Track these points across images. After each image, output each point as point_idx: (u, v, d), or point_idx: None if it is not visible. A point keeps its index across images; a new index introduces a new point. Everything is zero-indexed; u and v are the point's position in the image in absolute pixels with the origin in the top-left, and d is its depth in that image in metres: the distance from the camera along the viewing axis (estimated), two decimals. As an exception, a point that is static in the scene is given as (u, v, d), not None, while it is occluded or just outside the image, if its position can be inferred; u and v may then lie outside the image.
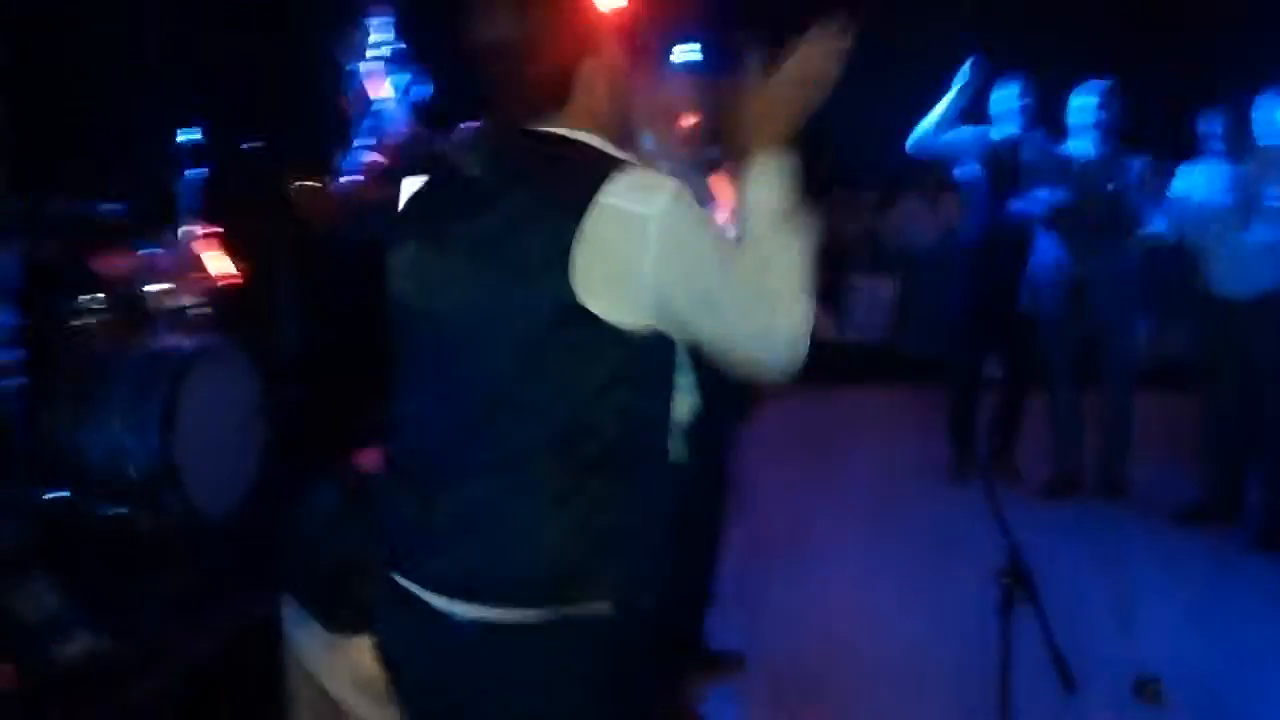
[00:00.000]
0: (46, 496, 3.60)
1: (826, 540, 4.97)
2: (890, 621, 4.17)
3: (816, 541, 4.97)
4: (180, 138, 4.22)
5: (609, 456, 1.64)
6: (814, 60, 1.80)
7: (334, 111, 4.82)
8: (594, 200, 1.59)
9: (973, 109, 5.40)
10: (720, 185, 3.21)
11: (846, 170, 7.80)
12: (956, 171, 5.59)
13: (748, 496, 5.44)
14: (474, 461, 1.66)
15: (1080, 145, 5.30)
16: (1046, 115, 5.46)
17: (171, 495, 3.70)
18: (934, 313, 6.74)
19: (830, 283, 8.36)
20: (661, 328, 1.64)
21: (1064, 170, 5.28)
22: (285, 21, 5.29)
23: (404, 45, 4.99)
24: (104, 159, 4.31)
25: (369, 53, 4.96)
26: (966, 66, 5.25)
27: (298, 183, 4.85)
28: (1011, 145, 5.41)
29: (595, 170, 1.63)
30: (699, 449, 3.09)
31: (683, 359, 1.75)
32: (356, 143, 4.79)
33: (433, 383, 1.73)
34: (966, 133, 5.40)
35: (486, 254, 1.65)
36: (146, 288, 4.03)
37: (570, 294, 1.58)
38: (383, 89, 5.00)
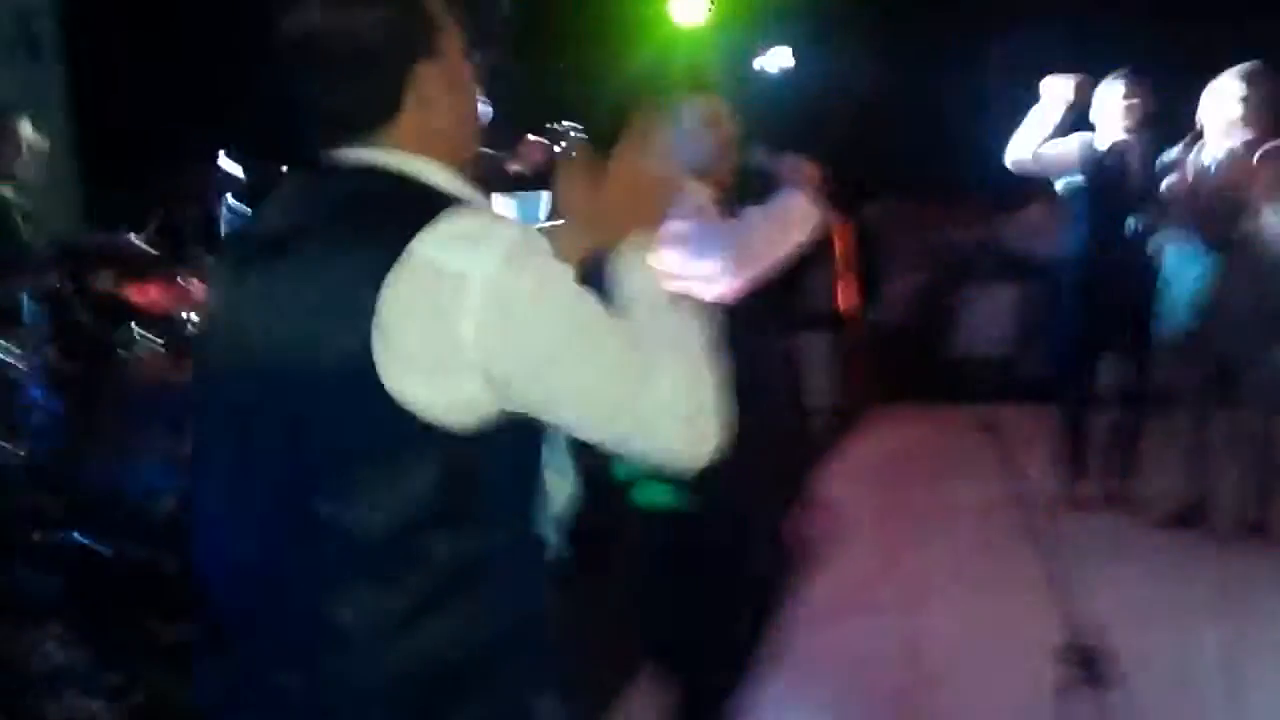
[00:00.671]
0: (76, 539, 3.50)
1: (918, 586, 4.57)
2: (980, 689, 3.72)
3: (907, 586, 4.57)
4: (222, 164, 4.10)
5: (447, 584, 1.30)
6: (665, 135, 1.51)
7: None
8: (405, 251, 1.25)
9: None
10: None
11: (962, 172, 7.40)
12: (1059, 183, 5.21)
13: (833, 531, 5.15)
14: (276, 602, 1.33)
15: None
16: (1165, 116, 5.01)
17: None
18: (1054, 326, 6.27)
19: (944, 294, 7.93)
20: (506, 411, 1.30)
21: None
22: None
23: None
24: (143, 187, 4.23)
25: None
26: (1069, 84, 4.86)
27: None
28: (1118, 152, 4.98)
29: (413, 210, 1.28)
30: (724, 505, 2.87)
31: (555, 439, 1.43)
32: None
33: (227, 497, 1.39)
34: (1069, 142, 5.01)
35: (275, 324, 1.32)
36: (190, 319, 3.92)
37: (370, 376, 1.24)
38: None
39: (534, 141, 4.98)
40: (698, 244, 2.72)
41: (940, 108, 7.17)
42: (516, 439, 1.32)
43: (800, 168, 2.98)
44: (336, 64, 1.34)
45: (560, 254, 1.63)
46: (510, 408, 1.29)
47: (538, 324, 1.28)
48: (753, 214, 2.89)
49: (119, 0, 4.72)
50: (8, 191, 4.27)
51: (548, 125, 4.73)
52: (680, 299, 1.44)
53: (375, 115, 1.36)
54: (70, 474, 3.56)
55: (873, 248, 8.47)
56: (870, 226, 8.51)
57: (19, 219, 4.27)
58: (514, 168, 4.94)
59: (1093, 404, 5.31)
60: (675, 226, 2.73)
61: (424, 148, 1.37)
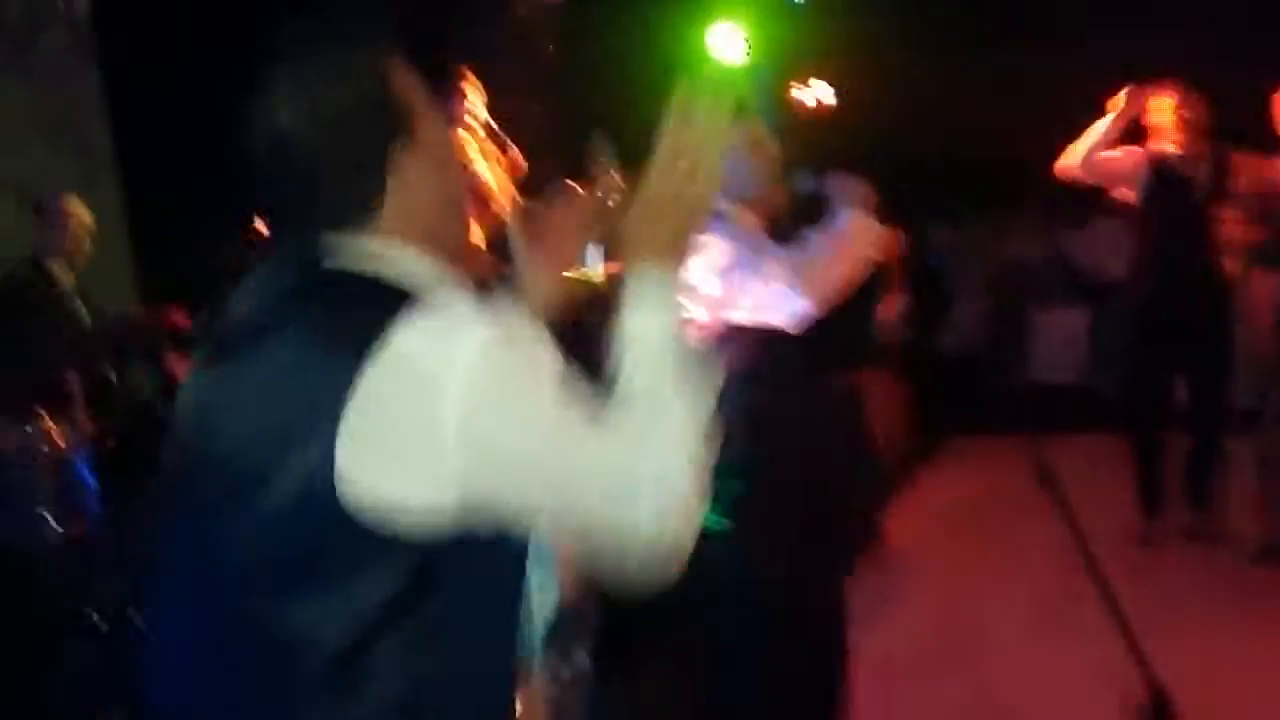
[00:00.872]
0: (132, 618, 3.49)
1: (989, 634, 4.40)
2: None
3: (976, 635, 4.40)
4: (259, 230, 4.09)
5: (404, 704, 1.21)
6: (691, 141, 1.38)
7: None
8: (379, 346, 1.18)
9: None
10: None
11: (1028, 187, 7.24)
12: (1115, 194, 5.04)
13: (901, 575, 5.00)
14: (220, 715, 1.27)
15: None
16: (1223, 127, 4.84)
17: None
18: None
19: (1012, 316, 7.74)
20: (483, 520, 1.22)
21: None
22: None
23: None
24: (192, 263, 4.25)
25: (470, 121, 4.77)
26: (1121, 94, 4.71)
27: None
28: (1179, 164, 4.81)
29: (386, 305, 1.21)
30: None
31: (540, 547, 1.35)
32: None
33: (179, 608, 1.32)
34: (1129, 154, 4.86)
35: (236, 421, 1.26)
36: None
37: (329, 481, 1.17)
38: (481, 161, 4.80)
39: (573, 186, 4.96)
40: (759, 272, 2.69)
41: (999, 123, 7.00)
42: (489, 549, 1.25)
43: (852, 186, 2.91)
44: (307, 163, 1.28)
45: (531, 303, 1.50)
46: (482, 514, 1.22)
47: (515, 424, 1.21)
48: (815, 238, 2.82)
49: (164, 77, 4.76)
50: (59, 269, 4.32)
51: (593, 165, 4.71)
52: (688, 341, 1.35)
53: (351, 210, 1.30)
54: (123, 552, 3.55)
55: (936, 273, 8.33)
56: (933, 251, 8.38)
57: (71, 296, 4.31)
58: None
59: (1168, 431, 5.10)
60: (731, 255, 2.70)
61: (405, 235, 1.31)
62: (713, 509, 2.76)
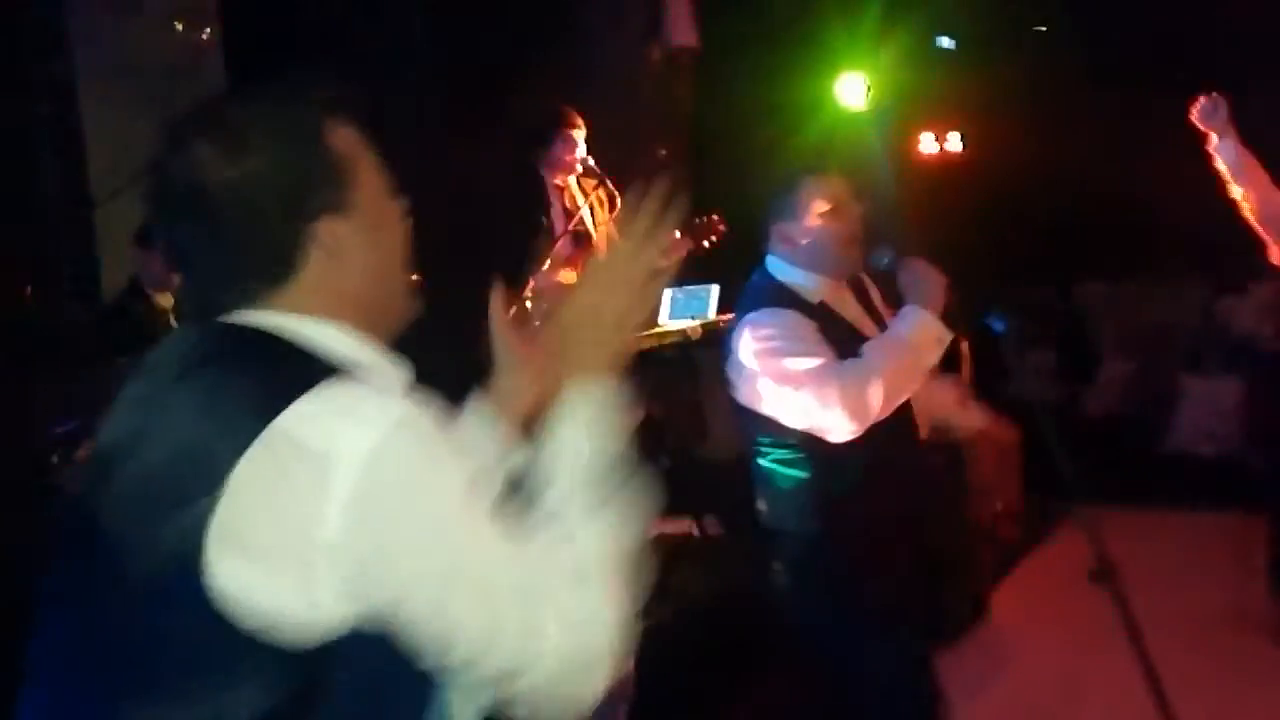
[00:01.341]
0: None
1: (1098, 714, 4.09)
2: None
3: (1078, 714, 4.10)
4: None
5: None
6: (632, 255, 1.30)
7: (532, 230, 4.62)
8: (266, 425, 1.08)
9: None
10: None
11: (1175, 248, 6.83)
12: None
13: (1004, 651, 4.71)
14: None
15: None
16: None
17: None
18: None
19: (1161, 381, 7.28)
20: (375, 629, 1.09)
21: None
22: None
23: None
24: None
25: (573, 166, 4.76)
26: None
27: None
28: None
29: (287, 380, 1.12)
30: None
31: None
32: (531, 262, 4.56)
33: (44, 682, 1.21)
34: None
35: (116, 492, 1.16)
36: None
37: (196, 567, 1.06)
38: (586, 205, 4.78)
39: (677, 238, 4.88)
40: (815, 387, 2.54)
41: (1161, 178, 6.64)
42: (389, 661, 1.12)
43: (926, 278, 2.66)
44: (225, 220, 1.20)
45: (501, 409, 1.44)
46: (370, 619, 1.10)
47: (411, 523, 1.10)
48: (872, 348, 2.62)
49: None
50: (166, 301, 4.44)
51: (698, 220, 4.66)
52: (620, 463, 1.24)
53: (266, 276, 1.22)
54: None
55: (1085, 331, 7.94)
56: (1082, 308, 8.00)
57: (171, 323, 4.42)
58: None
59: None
60: (789, 363, 2.57)
61: (330, 309, 1.22)
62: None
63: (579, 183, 4.79)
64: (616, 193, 4.87)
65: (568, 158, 4.70)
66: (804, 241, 2.73)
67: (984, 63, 6.72)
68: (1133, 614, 2.56)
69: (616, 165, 5.06)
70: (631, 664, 3.01)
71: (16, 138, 4.50)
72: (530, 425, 1.31)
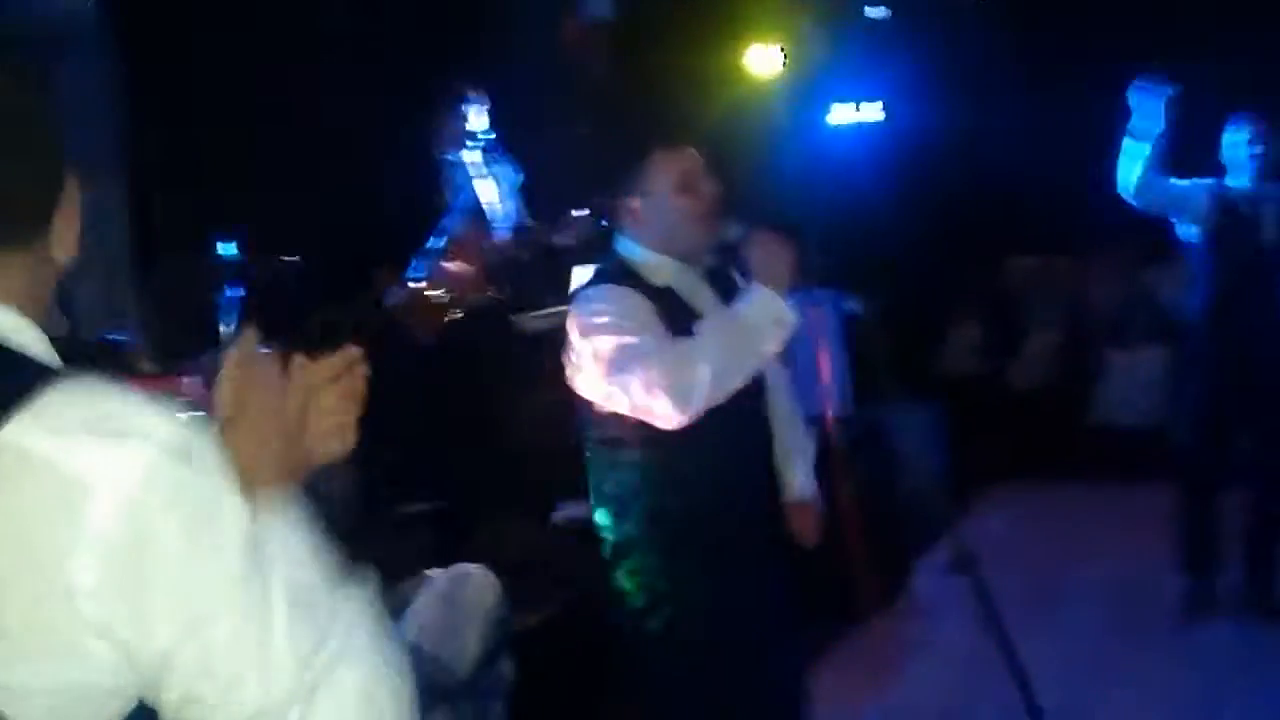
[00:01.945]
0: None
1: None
2: None
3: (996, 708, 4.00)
4: (220, 251, 3.96)
5: None
6: (316, 371, 1.12)
7: (419, 208, 4.46)
8: None
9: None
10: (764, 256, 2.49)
11: (1100, 221, 6.78)
12: (1179, 230, 4.60)
13: (924, 622, 4.64)
14: None
15: None
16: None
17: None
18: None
19: (1086, 354, 7.24)
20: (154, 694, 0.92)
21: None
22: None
23: (495, 134, 4.61)
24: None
25: (469, 142, 4.60)
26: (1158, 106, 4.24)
27: (400, 289, 4.49)
28: (1250, 200, 4.38)
29: (9, 382, 0.92)
30: None
31: None
32: (431, 243, 4.40)
33: None
34: (1194, 185, 4.43)
35: None
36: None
37: None
38: (486, 182, 4.62)
39: (577, 216, 4.75)
40: (638, 366, 2.33)
41: (1090, 154, 6.59)
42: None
43: (771, 253, 2.43)
44: None
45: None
46: (150, 688, 0.92)
47: (191, 567, 0.91)
48: (704, 327, 2.41)
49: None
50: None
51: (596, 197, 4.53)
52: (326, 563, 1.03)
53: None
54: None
55: (1008, 304, 7.89)
56: (1009, 282, 7.94)
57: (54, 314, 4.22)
58: (559, 240, 4.71)
59: (1225, 488, 4.63)
60: (615, 339, 2.36)
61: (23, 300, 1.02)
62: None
63: (477, 157, 4.63)
64: (521, 171, 4.73)
65: (457, 133, 4.54)
66: (650, 218, 2.53)
67: (914, 34, 6.62)
68: (993, 596, 2.44)
69: (534, 143, 4.92)
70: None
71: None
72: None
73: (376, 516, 4.98)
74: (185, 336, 3.85)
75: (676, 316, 2.45)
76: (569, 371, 2.51)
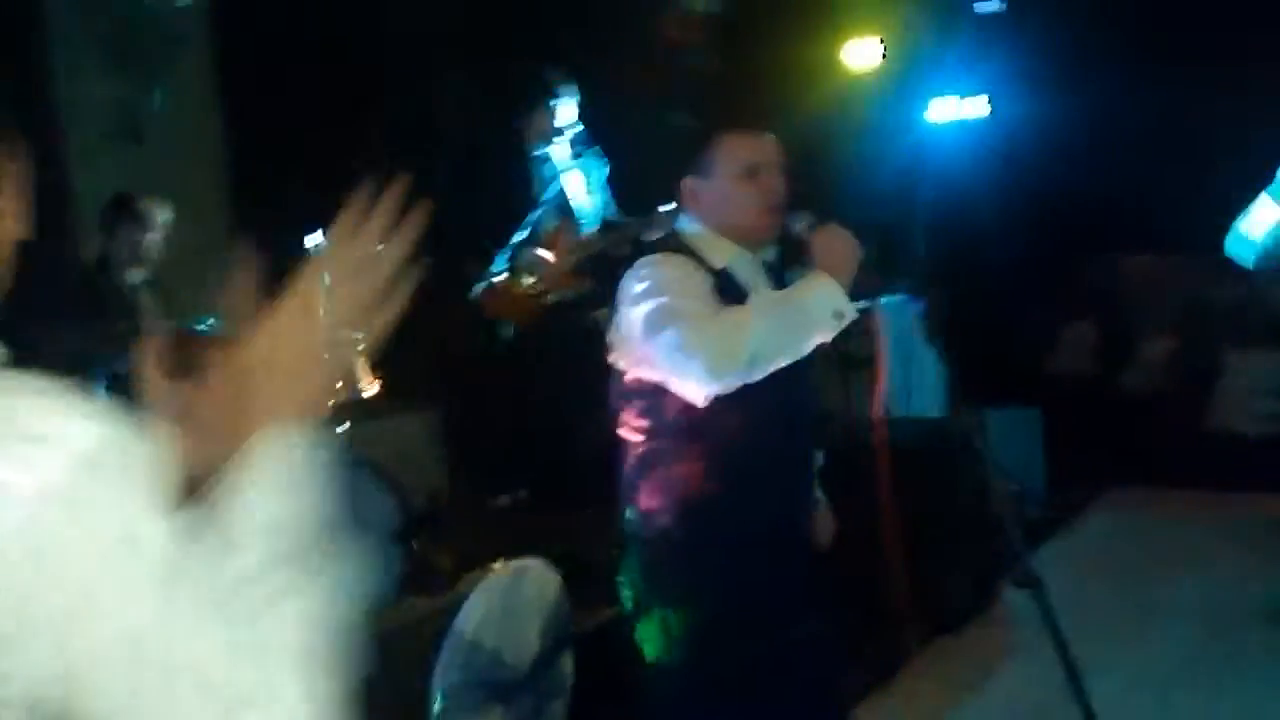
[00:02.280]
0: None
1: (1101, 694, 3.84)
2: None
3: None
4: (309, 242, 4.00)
5: None
6: (349, 269, 1.07)
7: (506, 202, 4.46)
8: None
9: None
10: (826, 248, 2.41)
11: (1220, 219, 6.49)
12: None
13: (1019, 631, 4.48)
14: None
15: None
16: None
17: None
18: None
19: (1197, 361, 6.94)
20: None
21: None
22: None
23: (584, 128, 4.58)
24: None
25: (556, 136, 4.59)
26: None
27: (489, 281, 4.50)
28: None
29: None
30: None
31: None
32: (517, 236, 4.39)
33: None
34: None
35: None
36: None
37: None
38: (573, 176, 4.61)
39: (665, 211, 4.70)
40: (685, 326, 2.25)
41: (1198, 151, 6.33)
42: None
43: (838, 245, 2.35)
44: None
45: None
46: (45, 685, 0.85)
47: (91, 590, 0.84)
48: (760, 300, 2.35)
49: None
50: (136, 277, 4.35)
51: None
52: (316, 524, 0.99)
53: None
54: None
55: (1120, 307, 7.62)
56: (1117, 283, 7.66)
57: (148, 303, 4.33)
58: (647, 236, 4.66)
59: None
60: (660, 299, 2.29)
61: None
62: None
63: (565, 151, 4.61)
64: (607, 163, 4.71)
65: (545, 125, 4.53)
66: (710, 201, 2.48)
67: (1021, 24, 6.42)
68: (1058, 621, 2.32)
69: (637, 136, 4.89)
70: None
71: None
72: (195, 487, 0.98)
73: (464, 507, 5.04)
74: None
75: (730, 299, 2.37)
76: (612, 346, 2.46)
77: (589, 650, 3.66)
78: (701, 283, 2.36)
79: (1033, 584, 2.34)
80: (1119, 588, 4.81)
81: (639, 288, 2.36)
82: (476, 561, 3.25)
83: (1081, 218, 6.92)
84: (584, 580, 4.16)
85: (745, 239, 2.50)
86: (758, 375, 2.24)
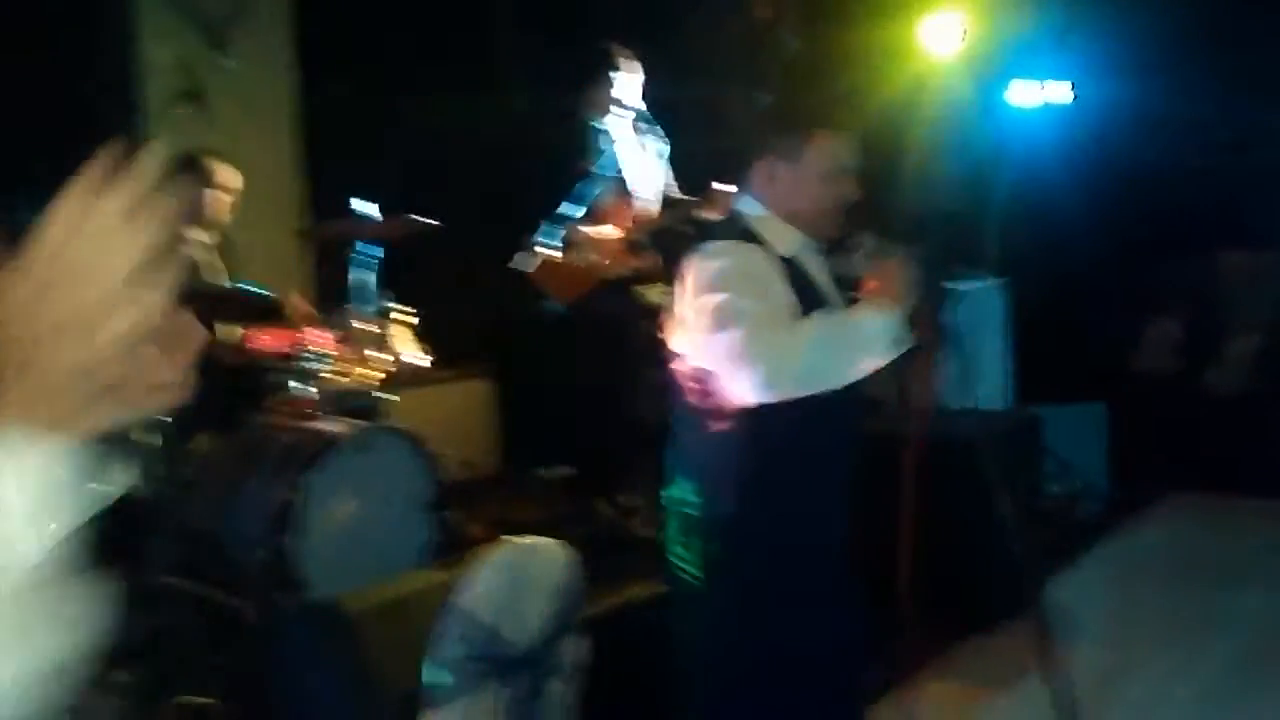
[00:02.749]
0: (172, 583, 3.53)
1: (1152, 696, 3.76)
2: None
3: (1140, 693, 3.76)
4: (356, 207, 4.05)
5: None
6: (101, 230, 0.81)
7: (562, 174, 4.44)
8: None
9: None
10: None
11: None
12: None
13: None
14: None
15: None
16: None
17: (284, 590, 3.48)
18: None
19: (1275, 368, 6.66)
20: None
21: None
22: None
23: (646, 102, 4.55)
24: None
25: (616, 110, 4.56)
26: None
27: (539, 255, 4.50)
28: None
29: None
30: None
31: None
32: (566, 209, 4.38)
33: None
34: None
35: None
36: (312, 369, 3.88)
37: None
38: (633, 150, 4.58)
39: (723, 189, 4.65)
40: (750, 330, 2.27)
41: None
42: None
43: (891, 276, 2.36)
44: None
45: None
46: None
47: None
48: (826, 320, 2.35)
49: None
50: (204, 238, 4.44)
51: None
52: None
53: None
54: (175, 516, 3.62)
55: (1208, 304, 7.35)
56: (1205, 279, 7.39)
57: (210, 262, 4.42)
58: (710, 215, 4.63)
59: None
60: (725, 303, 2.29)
61: None
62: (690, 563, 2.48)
63: (625, 125, 4.58)
64: (668, 143, 4.68)
65: (605, 99, 4.51)
66: (787, 189, 2.47)
67: (1114, 7, 6.20)
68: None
69: (688, 113, 4.86)
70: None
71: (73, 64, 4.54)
72: None
73: (512, 478, 5.10)
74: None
75: (799, 287, 2.39)
76: (668, 326, 2.49)
77: (617, 628, 3.68)
78: (771, 275, 2.38)
79: (1034, 607, 2.28)
80: (1171, 592, 4.67)
81: (706, 277, 2.37)
82: (513, 533, 3.27)
83: (1170, 211, 6.69)
84: (625, 557, 4.18)
85: (810, 231, 2.51)
86: (808, 392, 2.26)
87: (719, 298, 2.32)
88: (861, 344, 2.28)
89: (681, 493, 2.50)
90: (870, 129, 2.59)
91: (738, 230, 2.48)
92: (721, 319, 2.30)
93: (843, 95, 5.10)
